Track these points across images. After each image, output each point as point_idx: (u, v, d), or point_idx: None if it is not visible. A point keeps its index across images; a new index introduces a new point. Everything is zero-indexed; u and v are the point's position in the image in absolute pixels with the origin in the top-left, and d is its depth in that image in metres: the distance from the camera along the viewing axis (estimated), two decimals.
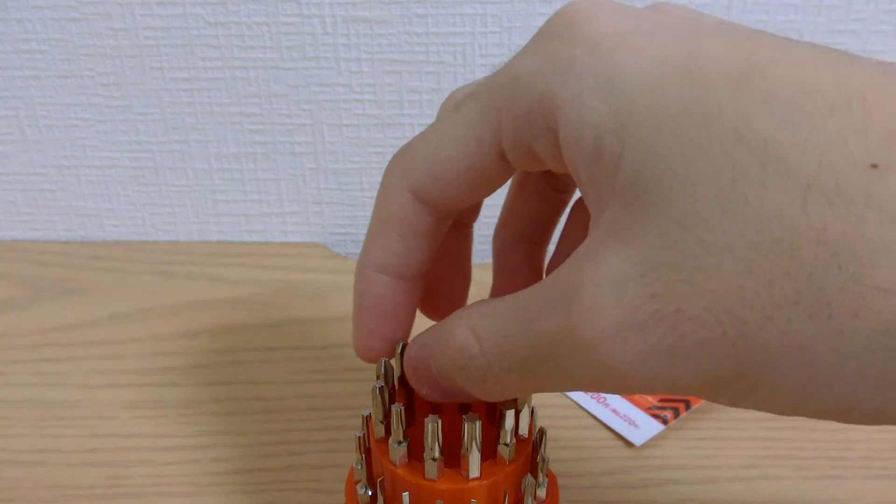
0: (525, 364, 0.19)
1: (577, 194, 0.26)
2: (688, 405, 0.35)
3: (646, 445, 0.34)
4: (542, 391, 0.20)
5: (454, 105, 0.22)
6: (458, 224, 0.26)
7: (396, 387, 0.24)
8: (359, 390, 0.37)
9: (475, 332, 0.20)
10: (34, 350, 0.40)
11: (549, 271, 0.27)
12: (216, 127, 0.46)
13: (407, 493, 0.22)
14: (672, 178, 0.16)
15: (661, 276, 0.16)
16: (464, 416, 0.22)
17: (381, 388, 0.23)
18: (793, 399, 0.16)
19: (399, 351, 0.24)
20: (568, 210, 0.26)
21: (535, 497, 0.23)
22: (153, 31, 0.43)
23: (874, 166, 0.14)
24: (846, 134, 0.15)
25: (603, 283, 0.17)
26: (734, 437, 0.34)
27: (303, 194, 0.48)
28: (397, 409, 0.22)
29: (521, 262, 0.27)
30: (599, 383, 0.18)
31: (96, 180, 0.48)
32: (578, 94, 0.18)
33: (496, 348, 0.20)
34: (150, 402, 0.36)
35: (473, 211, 0.26)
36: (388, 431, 0.23)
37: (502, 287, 0.27)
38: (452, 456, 0.22)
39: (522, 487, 0.23)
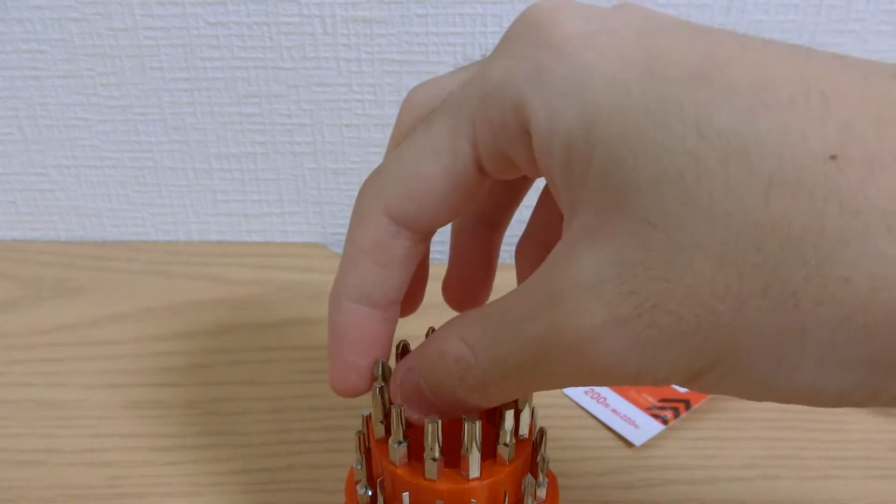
0: (519, 368, 0.19)
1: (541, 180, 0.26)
2: (688, 405, 0.35)
3: (646, 445, 0.34)
4: (539, 390, 0.21)
5: (422, 122, 0.22)
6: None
7: None
8: None
9: (467, 341, 0.20)
10: (34, 350, 0.40)
11: (517, 253, 0.27)
12: (216, 127, 0.46)
13: (407, 493, 0.22)
14: (639, 180, 0.16)
15: (636, 274, 0.16)
16: (464, 416, 0.22)
17: (381, 389, 0.23)
18: (762, 385, 0.17)
19: (379, 373, 0.23)
20: (538, 196, 0.26)
21: (535, 497, 0.23)
22: (153, 31, 0.44)
23: (833, 158, 0.15)
24: (805, 126, 0.15)
25: (582, 284, 0.17)
26: (734, 437, 0.34)
27: (303, 194, 0.48)
28: (397, 409, 0.22)
29: (478, 244, 0.27)
30: (590, 379, 0.18)
31: (96, 180, 0.48)
32: (548, 100, 0.18)
33: (489, 355, 0.20)
34: (150, 402, 0.36)
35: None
36: (388, 431, 0.23)
37: (457, 268, 0.27)
38: (452, 456, 0.22)
39: (522, 487, 0.23)
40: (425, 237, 0.23)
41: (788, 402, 0.17)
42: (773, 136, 0.15)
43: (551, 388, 0.20)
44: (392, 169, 0.22)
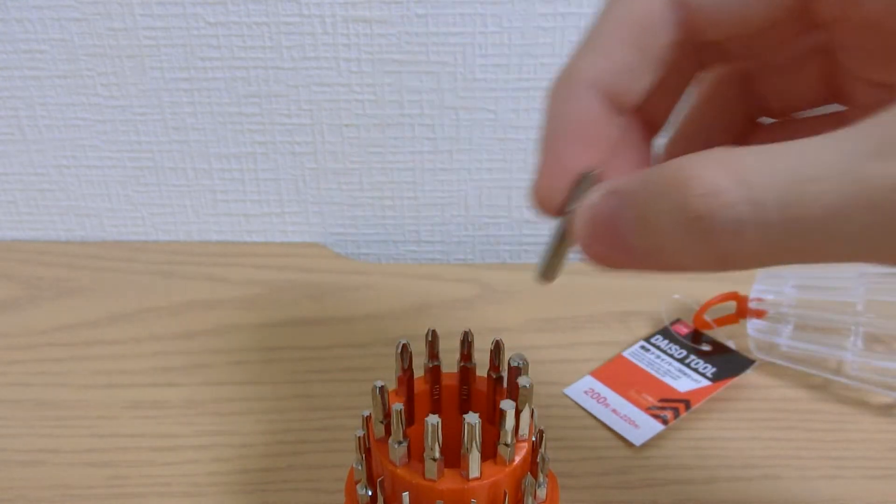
0: (825, 217, 0.15)
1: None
2: (688, 405, 0.35)
3: (646, 445, 0.34)
4: (805, 259, 0.16)
5: None
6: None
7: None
8: (359, 390, 0.37)
9: (736, 173, 0.15)
10: (34, 350, 0.40)
11: (667, 152, 0.23)
12: (216, 127, 0.46)
13: (407, 493, 0.22)
14: None
15: None
16: (464, 416, 0.22)
17: (381, 388, 0.23)
18: None
19: (588, 183, 0.18)
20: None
21: (535, 497, 0.23)
22: (153, 31, 0.44)
23: None
24: None
25: None
26: (734, 437, 0.34)
27: (303, 194, 0.48)
28: (397, 409, 0.22)
29: (635, 141, 0.22)
30: None
31: (96, 180, 0.48)
32: None
33: (781, 194, 0.15)
34: (150, 402, 0.36)
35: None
36: (388, 431, 0.23)
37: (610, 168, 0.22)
38: (452, 456, 0.22)
39: (522, 487, 0.23)
40: (694, 47, 0.18)
41: None
42: None
43: (830, 260, 0.15)
44: None
